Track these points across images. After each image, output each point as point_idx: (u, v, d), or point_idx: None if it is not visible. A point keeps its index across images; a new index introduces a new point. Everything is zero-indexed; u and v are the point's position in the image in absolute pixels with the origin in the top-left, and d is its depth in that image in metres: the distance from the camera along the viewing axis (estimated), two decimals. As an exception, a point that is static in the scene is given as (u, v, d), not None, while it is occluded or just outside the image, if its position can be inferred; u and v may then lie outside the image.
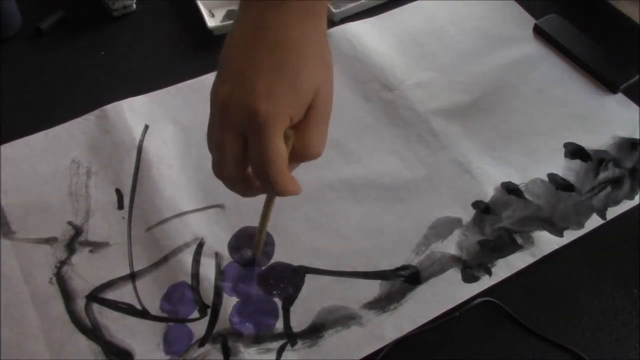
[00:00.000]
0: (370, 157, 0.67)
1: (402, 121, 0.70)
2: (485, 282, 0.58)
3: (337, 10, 0.80)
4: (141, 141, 0.66)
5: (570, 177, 0.66)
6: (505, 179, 0.66)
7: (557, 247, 0.61)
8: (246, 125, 0.43)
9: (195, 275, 0.57)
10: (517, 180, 0.66)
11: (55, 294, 0.56)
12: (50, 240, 0.59)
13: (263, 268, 0.59)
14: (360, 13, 0.82)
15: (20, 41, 0.77)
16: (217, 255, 0.59)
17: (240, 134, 0.44)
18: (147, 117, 0.69)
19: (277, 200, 0.63)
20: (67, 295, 0.56)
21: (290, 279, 0.58)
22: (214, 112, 0.46)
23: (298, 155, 0.46)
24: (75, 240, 0.59)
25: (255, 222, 0.61)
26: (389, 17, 0.82)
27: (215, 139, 0.45)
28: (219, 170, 0.47)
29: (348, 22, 0.80)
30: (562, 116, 0.72)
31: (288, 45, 0.44)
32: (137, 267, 0.58)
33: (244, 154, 0.45)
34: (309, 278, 0.58)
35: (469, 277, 0.59)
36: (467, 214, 0.63)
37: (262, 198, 0.63)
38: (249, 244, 0.60)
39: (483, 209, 0.63)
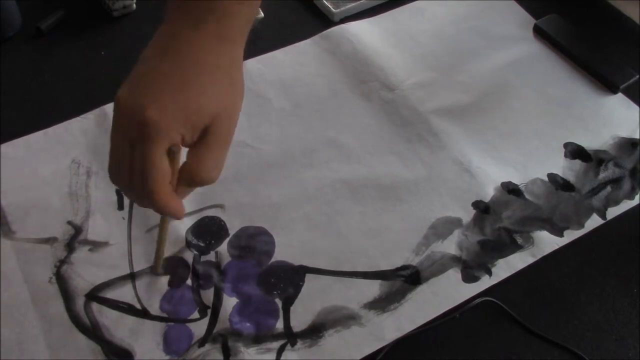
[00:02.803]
0: (370, 157, 0.67)
1: (402, 121, 0.70)
2: (485, 282, 0.58)
3: (337, 10, 0.80)
4: (141, 141, 0.66)
5: (570, 177, 0.66)
6: (505, 179, 0.66)
7: (557, 247, 0.61)
8: (133, 131, 0.42)
9: (195, 275, 0.57)
10: (517, 180, 0.66)
11: (55, 293, 0.56)
12: (50, 240, 0.59)
13: (263, 268, 0.59)
14: (360, 13, 0.82)
15: (20, 41, 0.77)
16: (217, 255, 0.59)
17: (130, 141, 0.43)
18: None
19: (276, 199, 0.64)
20: (66, 295, 0.56)
21: (290, 279, 0.58)
22: (113, 113, 0.45)
23: (188, 178, 0.45)
24: (75, 239, 0.59)
25: (255, 222, 0.62)
26: (389, 17, 0.82)
27: (111, 139, 0.45)
28: (110, 174, 0.46)
29: (348, 22, 0.80)
30: (562, 116, 0.72)
31: (196, 65, 0.43)
32: (137, 267, 0.58)
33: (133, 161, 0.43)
34: (309, 278, 0.58)
35: (469, 277, 0.59)
36: (467, 214, 0.63)
37: (264, 199, 0.64)
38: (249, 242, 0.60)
39: (483, 209, 0.63)
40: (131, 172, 0.43)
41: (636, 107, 0.73)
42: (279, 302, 0.57)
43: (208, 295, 0.56)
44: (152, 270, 0.57)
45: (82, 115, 0.68)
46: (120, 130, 0.43)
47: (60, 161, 0.65)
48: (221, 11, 0.44)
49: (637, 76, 0.75)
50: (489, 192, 0.65)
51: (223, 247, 0.59)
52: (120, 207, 0.62)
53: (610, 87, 0.74)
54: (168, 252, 0.59)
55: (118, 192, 0.63)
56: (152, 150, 0.42)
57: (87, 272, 0.57)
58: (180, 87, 0.43)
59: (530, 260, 0.60)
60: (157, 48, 0.45)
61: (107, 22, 0.80)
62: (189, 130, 0.43)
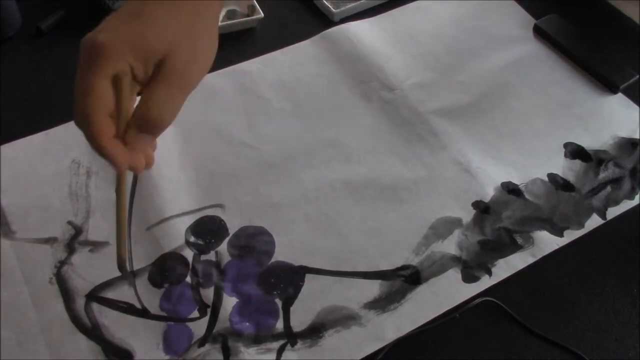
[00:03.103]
0: (370, 157, 0.67)
1: (402, 121, 0.70)
2: (485, 282, 0.58)
3: (337, 10, 0.80)
4: (141, 141, 0.66)
5: (570, 177, 0.66)
6: (505, 179, 0.66)
7: (557, 247, 0.61)
8: (85, 58, 0.40)
9: (196, 274, 0.57)
10: (517, 180, 0.66)
11: (55, 293, 0.56)
12: (50, 240, 0.59)
13: (263, 268, 0.59)
14: (360, 13, 0.82)
15: (20, 41, 0.77)
16: (217, 255, 0.59)
17: (84, 70, 0.40)
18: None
19: (276, 199, 0.64)
20: (66, 295, 0.56)
21: (290, 279, 0.58)
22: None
23: (138, 118, 0.41)
24: (75, 240, 0.59)
25: (255, 222, 0.62)
26: (389, 17, 0.82)
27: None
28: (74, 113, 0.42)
29: (348, 22, 0.80)
30: (562, 116, 0.72)
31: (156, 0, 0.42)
32: (137, 267, 0.58)
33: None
34: (309, 278, 0.58)
35: (469, 277, 0.59)
36: (467, 214, 0.63)
37: (264, 199, 0.64)
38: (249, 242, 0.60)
39: (483, 209, 0.63)
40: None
41: (636, 107, 0.73)
42: (279, 302, 0.57)
43: (208, 294, 0.56)
44: (118, 262, 0.49)
45: (82, 115, 0.68)
46: (79, 64, 0.41)
47: (60, 161, 0.65)
48: None
49: (637, 76, 0.75)
50: (489, 192, 0.65)
51: (223, 247, 0.59)
52: (120, 207, 0.62)
53: (610, 87, 0.74)
54: (167, 248, 0.59)
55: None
56: (94, 71, 0.39)
57: (88, 273, 0.57)
58: (136, 17, 0.41)
59: (530, 260, 0.60)
60: None
61: (107, 22, 0.80)
62: (141, 61, 0.40)
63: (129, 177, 0.63)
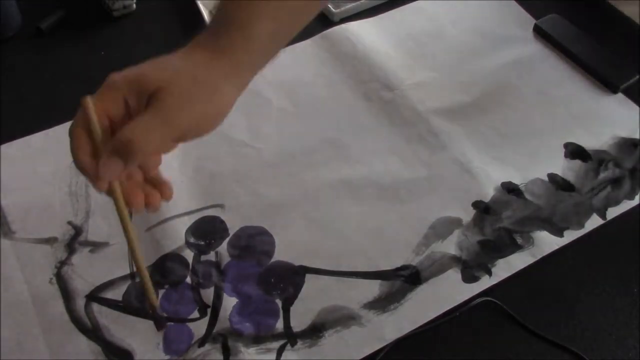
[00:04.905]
0: (370, 157, 0.67)
1: (402, 121, 0.70)
2: (485, 282, 0.58)
3: (337, 10, 0.80)
4: (141, 141, 0.66)
5: (570, 177, 0.66)
6: (505, 179, 0.66)
7: (557, 247, 0.61)
8: None
9: (195, 274, 0.57)
10: (517, 180, 0.66)
11: (55, 294, 0.56)
12: (50, 240, 0.59)
13: (263, 268, 0.59)
14: (360, 13, 0.82)
15: (20, 41, 0.77)
16: (217, 255, 0.59)
17: None
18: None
19: (276, 199, 0.64)
20: (67, 295, 0.56)
21: (290, 279, 0.58)
22: None
23: (111, 142, 0.42)
24: (75, 240, 0.59)
25: (255, 222, 0.61)
26: (389, 17, 0.82)
27: None
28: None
29: (348, 22, 0.80)
30: (562, 116, 0.72)
31: (175, 54, 0.46)
32: (137, 267, 0.58)
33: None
34: (309, 278, 0.58)
35: (469, 277, 0.59)
36: (467, 214, 0.63)
37: (264, 199, 0.64)
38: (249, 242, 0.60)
39: (483, 209, 0.63)
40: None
41: (636, 107, 0.73)
42: (279, 302, 0.57)
43: (208, 295, 0.56)
44: (149, 307, 0.53)
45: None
46: None
47: (60, 161, 0.64)
48: (233, 37, 0.46)
49: (637, 76, 0.75)
50: (489, 192, 0.65)
51: (223, 247, 0.59)
52: (120, 207, 0.62)
53: (610, 87, 0.74)
54: (167, 249, 0.59)
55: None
56: (90, 96, 0.43)
57: (88, 273, 0.57)
58: (149, 62, 0.44)
59: (530, 260, 0.60)
60: None
61: (107, 22, 0.80)
62: (134, 94, 0.43)
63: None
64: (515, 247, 0.61)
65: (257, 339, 0.54)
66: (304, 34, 0.78)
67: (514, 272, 0.59)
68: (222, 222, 0.61)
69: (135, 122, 0.42)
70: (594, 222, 0.63)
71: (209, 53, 0.45)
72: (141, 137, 0.41)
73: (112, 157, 0.42)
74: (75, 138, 0.43)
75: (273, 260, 0.59)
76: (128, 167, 0.42)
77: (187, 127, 0.43)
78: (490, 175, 0.66)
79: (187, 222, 0.61)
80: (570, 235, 0.62)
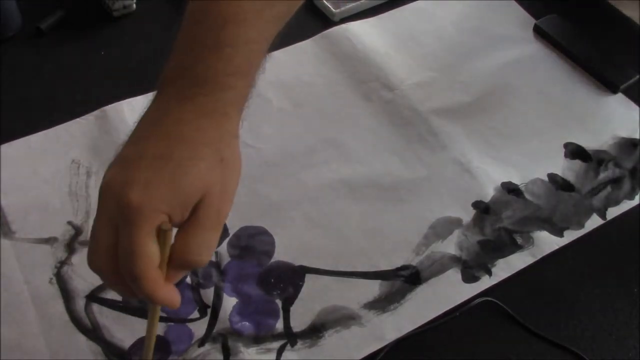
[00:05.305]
0: (370, 157, 0.67)
1: (402, 121, 0.70)
2: (485, 282, 0.58)
3: (337, 10, 0.80)
4: (141, 141, 0.66)
5: (570, 177, 0.66)
6: (505, 179, 0.66)
7: (557, 247, 0.61)
8: (118, 215, 0.39)
9: (195, 274, 0.57)
10: (517, 180, 0.66)
11: (55, 294, 0.56)
12: (50, 240, 0.59)
13: (263, 268, 0.59)
14: (360, 13, 0.82)
15: (20, 41, 0.77)
16: (217, 255, 0.59)
17: (113, 224, 0.39)
18: (147, 117, 0.68)
19: (276, 199, 0.64)
20: (67, 295, 0.56)
21: (290, 279, 0.58)
22: (98, 196, 0.41)
23: (176, 261, 0.41)
24: (75, 240, 0.59)
25: (255, 222, 0.62)
26: (389, 17, 0.82)
27: (93, 224, 0.41)
28: (90, 260, 0.41)
29: (348, 22, 0.80)
30: (562, 116, 0.72)
31: (181, 142, 0.40)
32: (137, 267, 0.58)
33: (116, 246, 0.40)
34: (309, 278, 0.58)
35: (469, 277, 0.59)
36: (467, 214, 0.63)
37: (264, 199, 0.64)
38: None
39: (483, 209, 0.63)
40: (114, 258, 0.40)
41: (636, 107, 0.73)
42: (279, 302, 0.57)
43: (208, 295, 0.56)
44: None
45: (83, 117, 0.68)
46: (103, 213, 0.40)
47: (60, 161, 0.65)
48: (211, 85, 0.41)
49: (637, 76, 0.75)
50: (489, 192, 0.65)
51: (223, 247, 0.59)
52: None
53: (610, 87, 0.74)
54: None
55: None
56: (138, 233, 0.38)
57: (88, 273, 0.56)
58: (164, 165, 0.40)
59: (530, 260, 0.60)
60: (145, 124, 0.42)
61: (107, 22, 0.80)
62: (177, 210, 0.40)
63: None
64: (515, 247, 0.61)
65: (257, 339, 0.54)
66: (304, 34, 0.78)
67: (514, 272, 0.59)
68: None
69: (194, 239, 0.40)
70: (594, 222, 0.63)
71: (222, 121, 0.42)
72: (207, 252, 0.41)
73: (178, 273, 0.42)
74: (153, 281, 0.39)
75: (273, 260, 0.59)
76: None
77: (228, 214, 0.43)
78: (490, 175, 0.66)
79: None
80: (570, 235, 0.62)
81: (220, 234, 0.42)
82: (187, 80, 0.42)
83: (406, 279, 0.58)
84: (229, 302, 0.56)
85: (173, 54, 0.43)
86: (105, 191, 0.40)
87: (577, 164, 0.68)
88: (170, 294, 0.41)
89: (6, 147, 0.65)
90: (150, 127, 0.41)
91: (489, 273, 0.59)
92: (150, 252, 0.39)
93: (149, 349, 0.47)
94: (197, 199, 0.40)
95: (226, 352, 0.53)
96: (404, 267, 0.59)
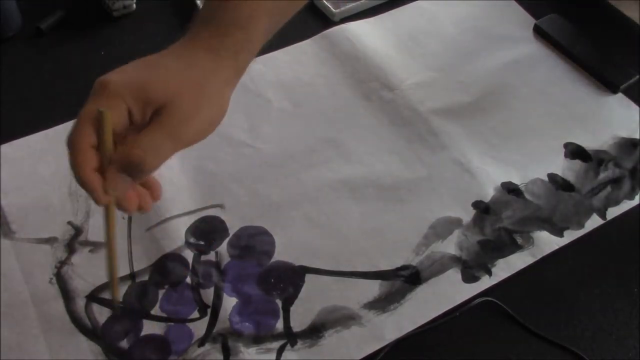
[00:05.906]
0: (370, 157, 0.67)
1: (402, 121, 0.70)
2: (485, 282, 0.58)
3: (337, 10, 0.80)
4: (141, 141, 0.66)
5: (570, 177, 0.66)
6: (505, 179, 0.66)
7: (557, 247, 0.61)
8: (91, 93, 0.42)
9: (196, 274, 0.57)
10: (517, 180, 0.66)
11: (55, 294, 0.56)
12: (50, 240, 0.59)
13: (263, 268, 0.59)
14: (360, 13, 0.82)
15: (20, 41, 0.77)
16: (217, 255, 0.59)
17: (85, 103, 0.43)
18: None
19: (276, 199, 0.64)
20: (67, 295, 0.56)
21: (290, 279, 0.58)
22: None
23: (120, 157, 0.41)
24: (75, 240, 0.59)
25: (255, 222, 0.62)
26: (389, 17, 0.82)
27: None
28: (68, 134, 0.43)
29: (348, 22, 0.80)
30: (562, 116, 0.72)
31: (170, 54, 0.45)
32: (137, 267, 0.58)
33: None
34: (309, 278, 0.58)
35: (469, 277, 0.59)
36: (467, 214, 0.63)
37: (264, 199, 0.64)
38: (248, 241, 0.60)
39: (483, 209, 0.63)
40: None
41: (636, 107, 0.73)
42: (279, 302, 0.57)
43: (208, 295, 0.56)
44: (112, 301, 0.53)
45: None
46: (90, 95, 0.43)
47: (60, 161, 0.64)
48: (214, 28, 0.46)
49: (637, 76, 0.75)
50: (489, 192, 0.65)
51: (223, 247, 0.59)
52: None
53: (610, 87, 0.74)
54: (167, 249, 0.59)
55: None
56: (88, 103, 0.41)
57: (88, 273, 0.57)
58: (150, 65, 0.44)
59: (530, 260, 0.60)
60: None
61: (107, 22, 0.80)
62: (139, 106, 0.41)
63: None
64: (515, 247, 0.61)
65: (257, 339, 0.54)
66: (304, 34, 0.78)
67: (514, 272, 0.59)
68: (222, 222, 0.61)
69: (144, 138, 0.41)
70: (594, 222, 0.63)
71: (213, 55, 0.45)
72: (152, 155, 0.41)
73: (120, 174, 0.41)
74: (81, 151, 0.41)
75: (273, 260, 0.59)
76: (135, 183, 0.42)
77: (194, 138, 0.43)
78: (490, 175, 0.66)
79: (187, 222, 0.61)
80: (570, 235, 0.62)
81: (176, 151, 0.42)
82: (199, 24, 0.46)
83: (406, 279, 0.58)
84: (229, 302, 0.56)
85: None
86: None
87: (577, 164, 0.68)
88: (97, 182, 0.41)
89: (6, 147, 0.65)
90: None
91: (489, 273, 0.59)
92: (88, 125, 0.41)
93: (115, 282, 0.47)
94: (159, 103, 0.41)
95: (226, 352, 0.53)
96: (404, 267, 0.59)
